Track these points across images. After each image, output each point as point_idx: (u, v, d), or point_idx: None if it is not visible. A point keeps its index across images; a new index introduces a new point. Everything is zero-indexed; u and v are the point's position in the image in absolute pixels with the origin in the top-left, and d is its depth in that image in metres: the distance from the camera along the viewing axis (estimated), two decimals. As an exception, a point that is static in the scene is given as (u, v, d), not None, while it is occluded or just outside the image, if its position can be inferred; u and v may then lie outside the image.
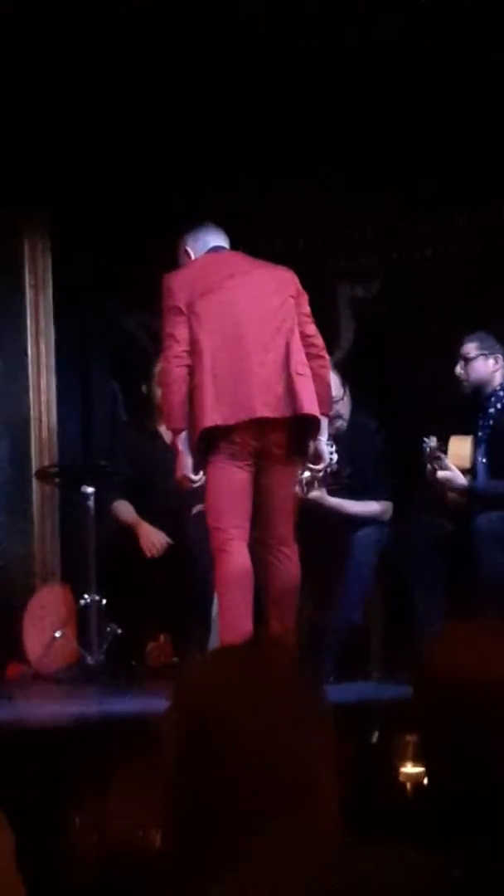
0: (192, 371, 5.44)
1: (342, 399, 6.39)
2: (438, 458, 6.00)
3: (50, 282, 7.56)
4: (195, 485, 5.55)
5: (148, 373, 6.85)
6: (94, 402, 7.78)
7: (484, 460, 6.15)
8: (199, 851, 1.62)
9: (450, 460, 6.07)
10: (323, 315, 6.00)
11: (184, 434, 5.50)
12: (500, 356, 6.22)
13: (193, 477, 5.52)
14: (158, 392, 6.54)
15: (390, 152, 6.93)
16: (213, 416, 5.39)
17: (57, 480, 7.36)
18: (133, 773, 3.28)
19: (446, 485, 6.04)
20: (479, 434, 6.19)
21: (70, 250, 7.48)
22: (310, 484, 5.93)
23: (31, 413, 7.50)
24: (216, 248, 5.72)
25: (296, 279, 5.65)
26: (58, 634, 6.64)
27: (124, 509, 6.71)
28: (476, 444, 6.18)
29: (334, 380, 6.09)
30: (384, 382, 6.93)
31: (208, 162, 6.99)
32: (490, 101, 6.59)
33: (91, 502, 6.63)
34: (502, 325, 6.41)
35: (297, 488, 5.83)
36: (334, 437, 6.07)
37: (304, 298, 5.64)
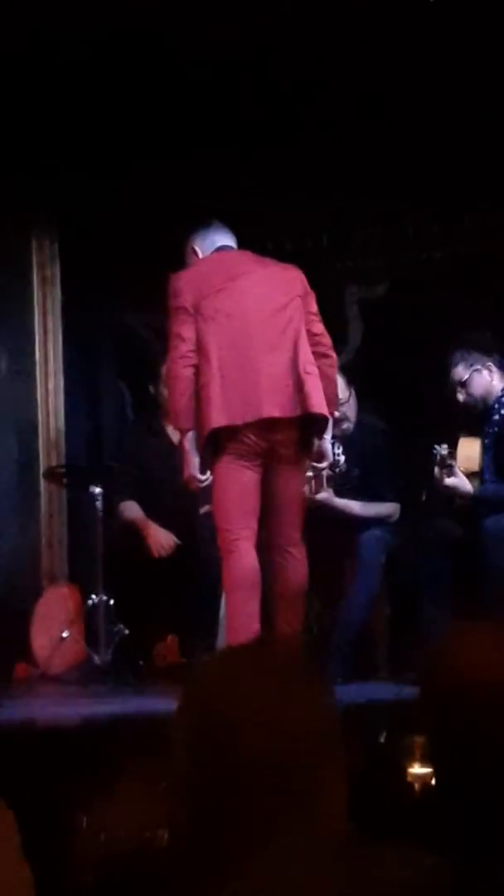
0: (199, 371, 5.43)
1: (348, 401, 6.38)
2: (449, 466, 5.99)
3: (58, 282, 7.56)
4: (202, 485, 5.55)
5: (155, 373, 6.85)
6: (101, 403, 7.78)
7: (491, 466, 6.14)
8: (207, 852, 1.61)
9: (458, 462, 6.07)
10: (331, 316, 6.00)
11: (191, 434, 5.49)
12: (490, 363, 6.20)
13: (201, 477, 5.52)
14: (166, 392, 6.54)
15: (399, 153, 6.92)
16: (220, 416, 5.39)
17: (65, 481, 7.36)
18: (141, 774, 3.27)
19: (453, 491, 6.03)
20: (486, 441, 6.18)
21: (78, 250, 7.48)
22: (318, 485, 5.93)
23: (39, 413, 7.50)
24: (223, 248, 5.72)
25: (303, 278, 5.65)
26: (65, 634, 6.64)
27: (132, 509, 6.70)
28: (483, 451, 6.17)
29: (340, 381, 6.09)
30: (391, 383, 6.92)
31: (217, 162, 6.98)
32: (499, 103, 6.58)
33: (99, 502, 6.63)
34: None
35: (305, 489, 5.82)
36: (341, 439, 6.07)
37: (312, 297, 5.64)
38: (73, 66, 6.54)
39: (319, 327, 5.63)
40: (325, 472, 5.87)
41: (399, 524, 6.40)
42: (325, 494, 6.10)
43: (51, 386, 7.54)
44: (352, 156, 6.98)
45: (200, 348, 5.44)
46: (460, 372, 6.19)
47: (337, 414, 5.90)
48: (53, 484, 7.44)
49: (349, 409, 6.41)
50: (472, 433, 6.23)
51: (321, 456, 5.67)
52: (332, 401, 5.66)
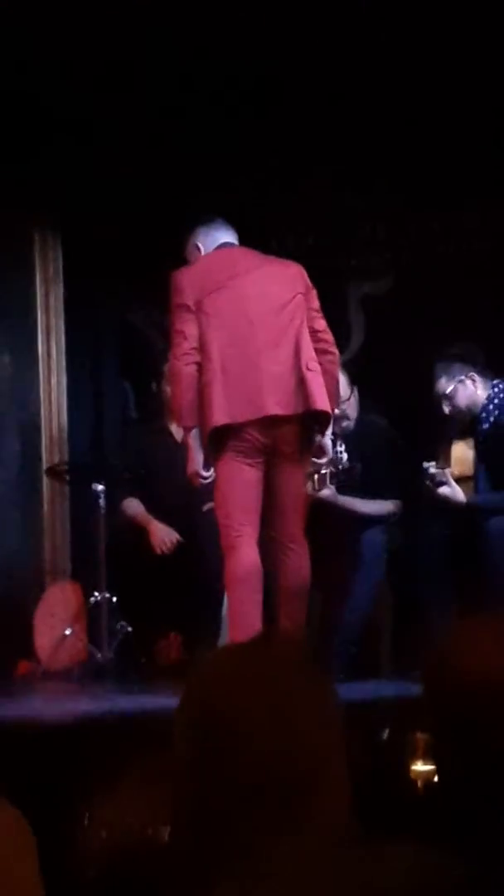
0: (202, 369, 5.43)
1: (349, 398, 6.38)
2: (442, 482, 5.99)
3: (60, 279, 7.56)
4: (206, 481, 5.55)
5: (158, 370, 6.85)
6: (104, 400, 7.77)
7: (482, 475, 6.14)
8: (209, 849, 1.61)
9: (453, 466, 6.08)
10: (333, 313, 5.99)
11: (195, 431, 5.49)
12: (473, 374, 6.19)
13: (204, 473, 5.52)
14: (169, 389, 6.53)
15: (401, 149, 6.92)
16: (222, 414, 5.38)
17: (67, 478, 7.36)
18: (142, 771, 3.27)
19: (446, 502, 6.02)
20: (477, 450, 6.18)
21: (80, 247, 7.48)
22: (320, 482, 5.92)
23: (42, 411, 7.50)
24: (226, 245, 5.72)
25: (304, 274, 5.64)
26: (68, 632, 6.64)
27: (134, 507, 6.70)
28: (475, 459, 6.17)
29: (342, 378, 6.09)
30: (394, 381, 6.92)
31: (219, 159, 6.98)
32: (502, 99, 6.58)
33: (101, 500, 6.63)
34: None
35: (308, 486, 5.82)
36: (343, 436, 6.06)
37: (313, 294, 5.63)
38: (75, 62, 6.54)
39: (321, 324, 5.63)
40: (327, 470, 5.86)
41: (401, 522, 6.40)
42: (328, 492, 6.09)
43: (53, 383, 7.53)
44: (354, 152, 6.98)
45: (202, 346, 5.44)
46: (444, 384, 6.19)
47: (338, 411, 5.90)
48: (56, 481, 7.44)
49: (351, 406, 6.41)
50: (466, 436, 6.23)
51: (322, 452, 5.67)
52: (334, 397, 5.66)
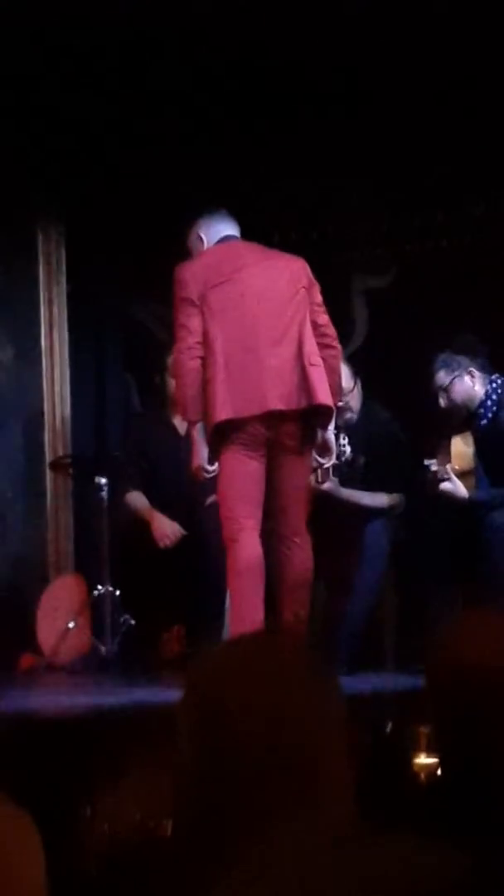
0: (205, 363, 5.43)
1: (352, 391, 6.38)
2: (443, 478, 5.99)
3: (64, 272, 7.56)
4: (210, 475, 5.55)
5: (162, 364, 6.84)
6: (107, 393, 7.78)
7: (481, 471, 6.14)
8: (211, 841, 1.61)
9: (453, 461, 6.07)
10: (336, 307, 5.99)
11: (199, 424, 5.50)
12: (472, 369, 6.18)
13: (209, 467, 5.52)
14: (172, 383, 6.54)
15: (404, 142, 6.92)
16: (225, 409, 5.38)
17: (70, 471, 7.37)
18: (145, 764, 3.27)
19: (448, 497, 6.02)
20: (477, 446, 6.18)
21: (84, 240, 7.48)
22: (324, 474, 5.92)
23: (45, 403, 7.50)
24: (228, 237, 5.71)
25: (307, 268, 5.64)
26: (71, 625, 6.64)
27: (138, 500, 6.70)
28: (475, 456, 6.17)
29: (345, 371, 6.09)
30: (397, 374, 6.92)
31: (222, 153, 6.98)
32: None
33: (104, 493, 6.64)
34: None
35: (311, 479, 5.82)
36: (346, 429, 6.06)
37: (316, 288, 5.63)
38: (78, 56, 6.53)
39: (324, 318, 5.63)
40: (330, 462, 5.86)
41: (404, 514, 6.40)
42: (331, 484, 6.09)
43: (57, 376, 7.54)
44: (357, 146, 6.98)
45: (206, 340, 5.44)
46: (442, 377, 6.18)
47: (341, 404, 5.91)
48: (59, 474, 7.44)
49: (354, 399, 6.41)
50: (466, 430, 6.23)
51: (325, 447, 5.67)
52: (336, 392, 5.66)
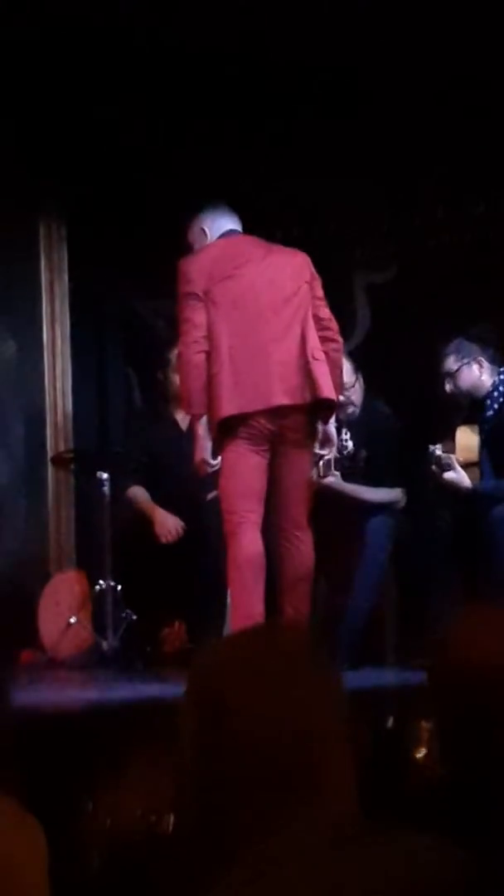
0: (209, 358, 5.43)
1: (354, 386, 6.38)
2: (446, 465, 5.99)
3: (65, 267, 7.55)
4: (213, 469, 5.55)
5: (163, 358, 6.84)
6: (109, 388, 7.78)
7: (487, 462, 6.13)
8: (213, 836, 1.61)
9: (458, 453, 6.07)
10: (338, 302, 5.99)
11: (204, 419, 5.50)
12: (481, 359, 6.18)
13: (212, 462, 5.52)
14: (175, 378, 6.53)
15: (405, 140, 6.91)
16: (230, 405, 5.39)
17: (72, 466, 7.37)
18: (147, 759, 3.28)
19: (452, 487, 6.02)
20: (481, 436, 6.17)
21: (85, 235, 7.47)
22: (325, 468, 5.92)
23: (47, 399, 7.50)
24: (231, 232, 5.71)
25: (309, 263, 5.64)
26: (73, 620, 6.64)
27: (139, 495, 6.70)
28: (479, 447, 6.17)
29: (347, 366, 6.09)
30: (399, 369, 6.92)
31: (223, 150, 6.97)
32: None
33: (106, 488, 6.64)
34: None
35: (312, 473, 5.81)
36: (348, 423, 6.06)
37: (318, 282, 5.64)
38: (78, 52, 6.53)
39: (326, 312, 5.63)
40: (332, 456, 5.86)
41: (406, 509, 6.40)
42: (333, 479, 6.09)
43: (58, 371, 7.53)
44: (358, 143, 6.97)
45: (211, 335, 5.44)
46: (450, 363, 6.19)
47: (342, 398, 5.91)
48: (61, 469, 7.44)
49: (355, 394, 6.40)
50: (471, 422, 6.23)
51: (327, 440, 5.67)
52: (339, 385, 5.67)
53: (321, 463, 5.80)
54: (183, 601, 6.47)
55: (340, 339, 5.73)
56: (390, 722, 4.52)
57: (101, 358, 7.78)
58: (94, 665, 6.42)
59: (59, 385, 7.54)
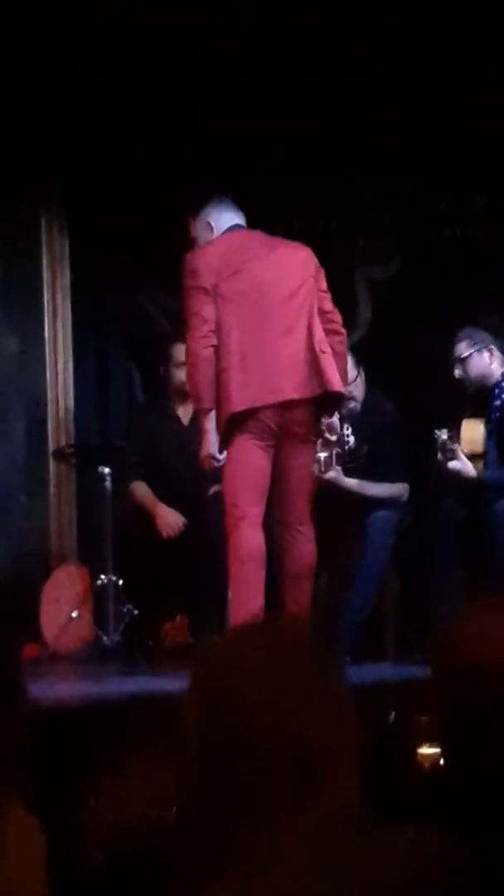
0: (218, 353, 5.43)
1: (356, 380, 6.37)
2: (452, 451, 5.98)
3: (67, 262, 7.55)
4: (219, 464, 5.55)
5: (165, 353, 6.84)
6: (110, 383, 7.77)
7: (493, 452, 6.13)
8: (216, 831, 1.61)
9: (462, 444, 6.07)
10: (341, 296, 5.99)
11: (211, 413, 5.49)
12: (493, 347, 6.18)
13: (219, 457, 5.52)
14: (177, 373, 6.54)
15: (409, 133, 6.91)
16: (241, 400, 5.39)
17: (74, 461, 7.37)
18: (149, 753, 3.27)
19: (457, 475, 6.02)
20: (488, 426, 6.17)
21: (87, 230, 7.47)
22: (327, 463, 5.92)
23: (48, 393, 7.50)
24: (236, 227, 5.71)
25: (313, 256, 5.66)
26: (74, 614, 6.64)
27: (141, 490, 6.70)
28: (486, 435, 6.16)
29: (349, 360, 6.09)
30: (400, 363, 6.92)
31: (227, 143, 6.97)
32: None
33: (108, 483, 6.64)
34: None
35: (315, 468, 5.81)
36: (349, 418, 6.06)
37: (322, 275, 5.65)
38: (82, 44, 6.52)
39: (330, 305, 5.64)
40: (334, 451, 5.86)
41: (408, 504, 6.39)
42: (334, 473, 6.09)
43: (60, 366, 7.53)
44: (362, 135, 6.97)
45: (219, 330, 5.44)
46: (462, 348, 6.20)
47: (344, 392, 5.90)
48: (63, 464, 7.44)
49: (357, 388, 6.40)
50: (476, 415, 6.22)
51: (330, 429, 5.67)
52: (343, 378, 5.67)
53: (322, 458, 5.80)
54: (184, 595, 6.48)
55: (344, 332, 5.74)
56: (391, 716, 4.52)
57: (102, 352, 7.77)
58: (95, 659, 6.43)
59: (60, 380, 7.54)
